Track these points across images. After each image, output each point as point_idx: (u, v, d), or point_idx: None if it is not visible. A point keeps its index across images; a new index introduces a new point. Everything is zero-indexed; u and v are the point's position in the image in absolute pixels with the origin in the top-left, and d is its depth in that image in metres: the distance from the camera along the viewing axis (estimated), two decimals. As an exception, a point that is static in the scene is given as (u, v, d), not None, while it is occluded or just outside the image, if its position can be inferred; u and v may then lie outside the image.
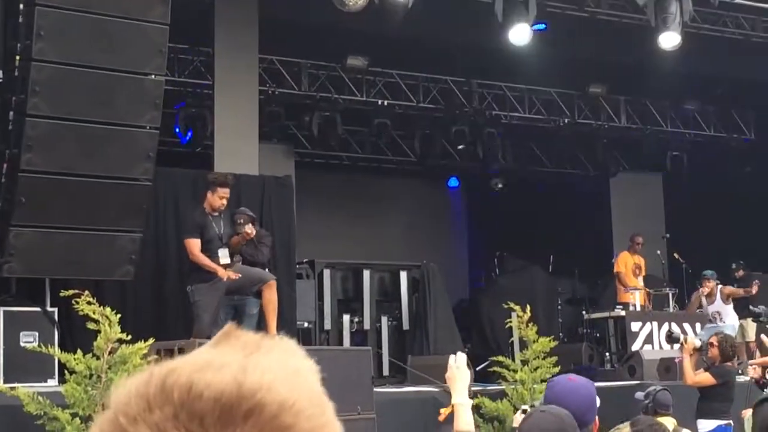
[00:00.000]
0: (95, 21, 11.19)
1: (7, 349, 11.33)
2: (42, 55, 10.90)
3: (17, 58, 11.22)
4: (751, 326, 18.33)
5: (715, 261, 19.97)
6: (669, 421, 8.77)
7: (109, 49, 11.27)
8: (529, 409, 7.72)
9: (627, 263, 19.18)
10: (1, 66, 11.67)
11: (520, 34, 16.35)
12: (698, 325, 17.58)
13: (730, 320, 17.98)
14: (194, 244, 12.31)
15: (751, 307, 17.72)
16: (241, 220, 13.70)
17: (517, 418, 7.49)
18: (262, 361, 1.15)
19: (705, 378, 12.29)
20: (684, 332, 16.43)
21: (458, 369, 5.44)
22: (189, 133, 19.05)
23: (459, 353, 5.57)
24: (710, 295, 18.04)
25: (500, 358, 13.26)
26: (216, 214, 12.46)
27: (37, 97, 10.90)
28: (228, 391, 1.09)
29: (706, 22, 17.60)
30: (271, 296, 12.57)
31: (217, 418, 1.08)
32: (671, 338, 14.69)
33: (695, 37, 16.93)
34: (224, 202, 12.37)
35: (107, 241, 11.72)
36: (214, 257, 12.36)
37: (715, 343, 12.55)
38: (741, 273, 20.06)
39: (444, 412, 5.45)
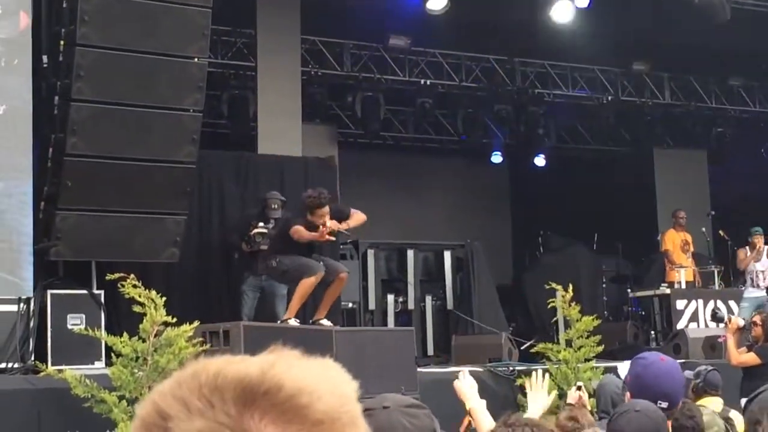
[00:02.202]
0: (138, 5, 11.25)
1: (54, 331, 11.44)
2: (86, 40, 10.97)
3: (61, 43, 11.30)
4: None
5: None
6: (717, 402, 8.77)
7: (152, 32, 11.33)
8: (583, 386, 7.72)
9: (674, 240, 19.06)
10: (45, 51, 11.76)
11: (563, 12, 16.37)
12: (731, 303, 17.37)
13: None
14: (301, 230, 12.30)
15: None
16: (275, 206, 13.81)
17: (572, 395, 7.50)
18: (293, 361, 1.21)
19: (750, 358, 12.26)
20: (730, 311, 16.37)
21: (459, 380, 5.42)
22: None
23: (457, 382, 5.53)
24: (758, 252, 17.75)
25: (544, 344, 13.25)
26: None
27: (81, 81, 10.97)
28: (252, 374, 1.17)
29: (750, -3, 17.49)
30: (338, 288, 12.75)
31: (238, 394, 1.15)
32: (716, 317, 14.64)
33: (739, 13, 16.81)
34: (326, 219, 12.28)
35: (152, 223, 11.80)
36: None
37: (759, 322, 12.52)
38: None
39: (464, 422, 5.37)
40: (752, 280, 17.46)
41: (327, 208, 12.33)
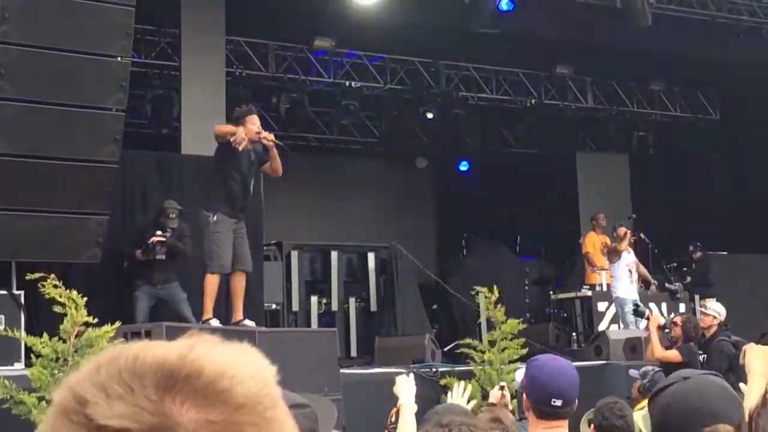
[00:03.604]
0: (60, 3, 11.15)
1: (-27, 332, 11.28)
2: (7, 38, 10.84)
3: (-18, 40, 11.17)
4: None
5: (679, 241, 20.09)
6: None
7: (74, 31, 11.22)
8: (506, 386, 7.83)
9: (595, 243, 19.22)
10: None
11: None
12: (651, 305, 17.27)
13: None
14: (223, 127, 12.44)
15: (666, 285, 17.64)
16: (173, 215, 13.73)
17: (495, 394, 7.61)
18: (211, 345, 1.21)
19: (672, 354, 12.48)
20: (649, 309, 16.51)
21: (402, 379, 5.62)
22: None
23: (403, 377, 5.72)
24: (627, 243, 17.30)
25: (468, 341, 13.31)
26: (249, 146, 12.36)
27: (2, 79, 10.84)
28: (171, 359, 1.17)
29: (672, 2, 17.67)
30: (242, 281, 12.61)
31: (158, 379, 1.15)
32: (638, 312, 14.88)
33: (661, 18, 16.99)
34: (258, 126, 12.33)
35: (73, 223, 11.69)
36: (238, 191, 12.44)
37: (679, 323, 12.88)
38: (699, 255, 20.09)
39: (392, 412, 5.53)
40: (630, 272, 17.24)
41: (256, 117, 12.46)
